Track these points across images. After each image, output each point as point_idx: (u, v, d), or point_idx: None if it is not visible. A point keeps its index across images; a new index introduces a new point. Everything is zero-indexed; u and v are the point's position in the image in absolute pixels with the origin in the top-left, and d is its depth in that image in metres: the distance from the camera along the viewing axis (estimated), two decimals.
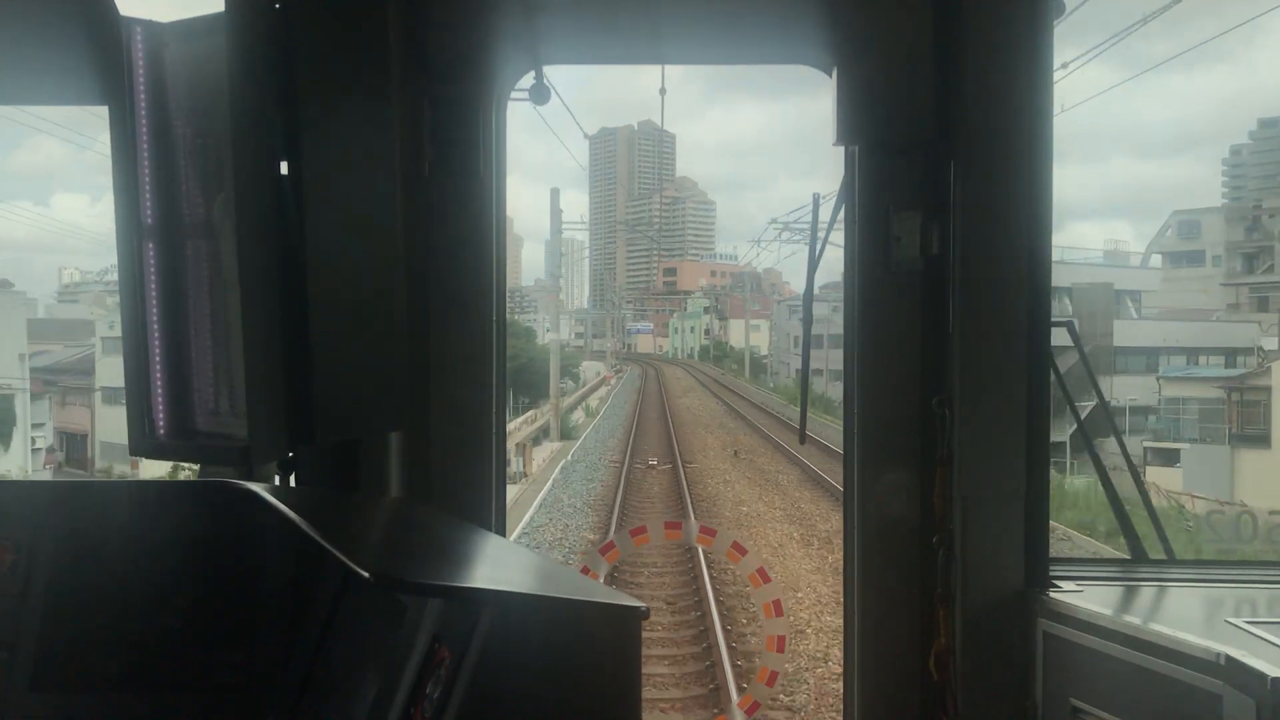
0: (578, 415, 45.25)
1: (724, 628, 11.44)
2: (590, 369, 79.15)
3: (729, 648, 10.80)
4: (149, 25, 2.48)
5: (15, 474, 28.94)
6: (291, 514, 2.28)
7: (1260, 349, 39.40)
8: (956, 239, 2.90)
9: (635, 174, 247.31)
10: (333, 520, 2.55)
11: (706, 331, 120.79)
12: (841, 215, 3.20)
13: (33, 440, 37.01)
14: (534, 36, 3.09)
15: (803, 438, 4.67)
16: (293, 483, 2.86)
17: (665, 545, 15.31)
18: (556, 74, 3.29)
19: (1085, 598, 2.73)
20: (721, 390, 57.56)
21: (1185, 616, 2.72)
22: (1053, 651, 2.73)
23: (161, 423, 2.57)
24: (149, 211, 2.53)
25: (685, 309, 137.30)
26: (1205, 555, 3.52)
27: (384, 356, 2.66)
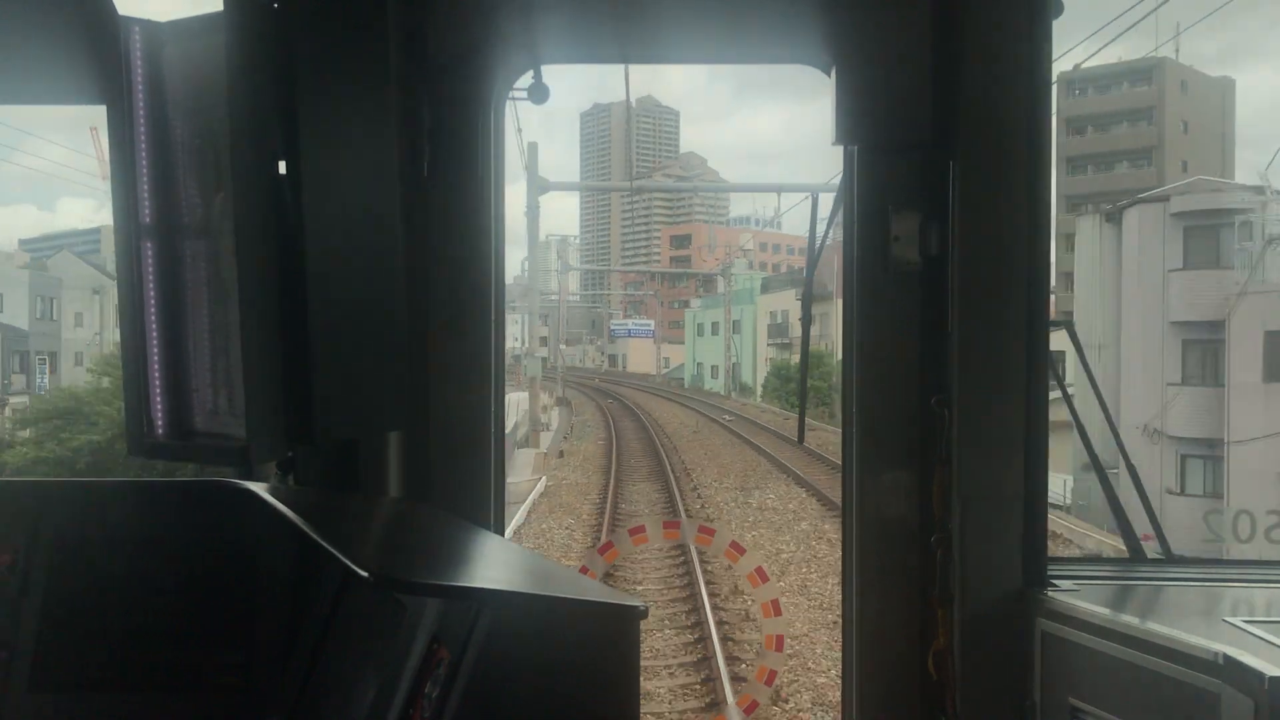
0: None
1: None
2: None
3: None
4: (147, 24, 2.48)
5: None
6: (290, 514, 2.28)
7: None
8: (955, 239, 2.90)
9: (634, 159, 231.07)
10: (332, 520, 2.55)
11: (773, 331, 60.93)
12: (840, 215, 3.20)
13: None
14: (532, 36, 3.09)
15: (801, 438, 4.67)
16: (292, 483, 2.86)
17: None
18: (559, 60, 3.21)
19: (1084, 597, 2.73)
20: None
21: (1183, 616, 2.72)
22: (1051, 651, 2.73)
23: (160, 422, 2.56)
24: (147, 211, 2.53)
25: (719, 288, 73.17)
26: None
27: (383, 356, 2.66)
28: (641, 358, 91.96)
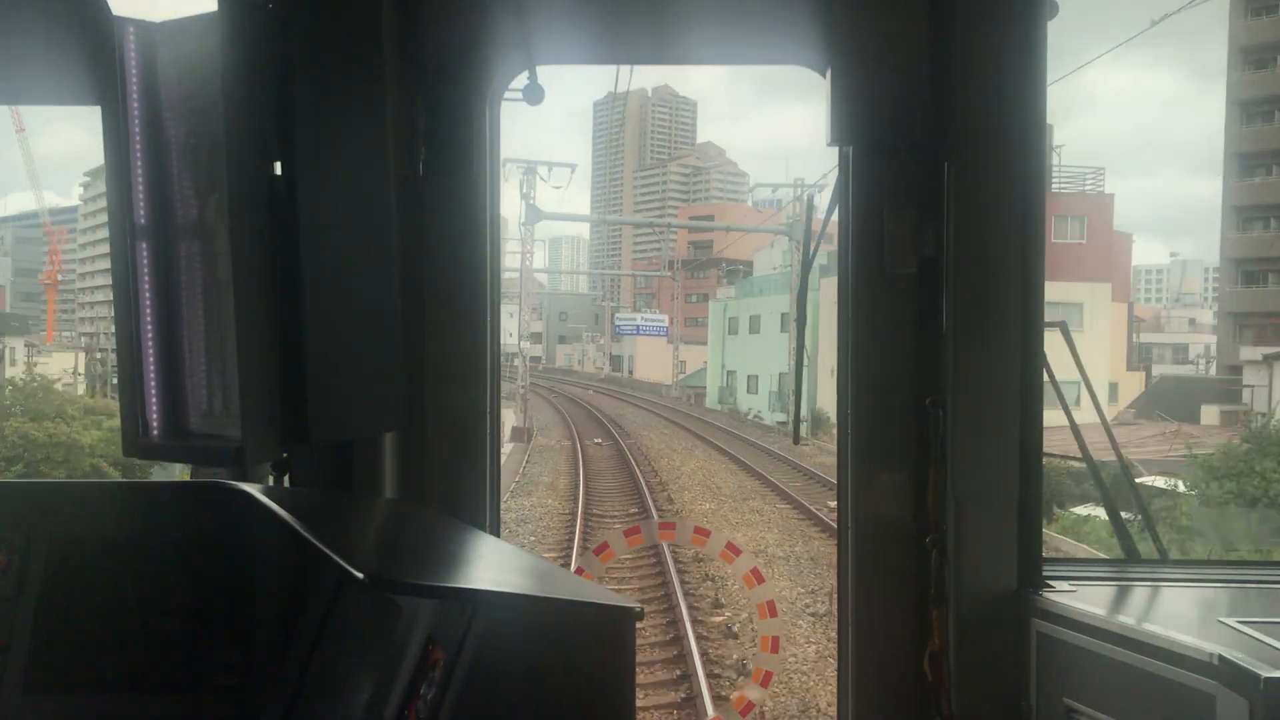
0: None
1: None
2: None
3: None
4: (142, 25, 2.48)
5: None
6: (285, 515, 2.28)
7: None
8: (950, 239, 2.90)
9: (648, 144, 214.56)
10: (327, 521, 2.55)
11: None
12: (836, 216, 3.20)
13: None
14: (527, 36, 3.09)
15: (796, 439, 4.67)
16: (287, 483, 2.86)
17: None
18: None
19: (1078, 598, 2.74)
20: None
21: (1178, 616, 2.73)
22: (1046, 652, 2.73)
23: (155, 423, 2.56)
24: (142, 212, 2.52)
25: (753, 271, 63.78)
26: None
27: (378, 356, 2.66)
28: (653, 362, 70.09)
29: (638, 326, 70.05)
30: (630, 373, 74.60)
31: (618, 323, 74.36)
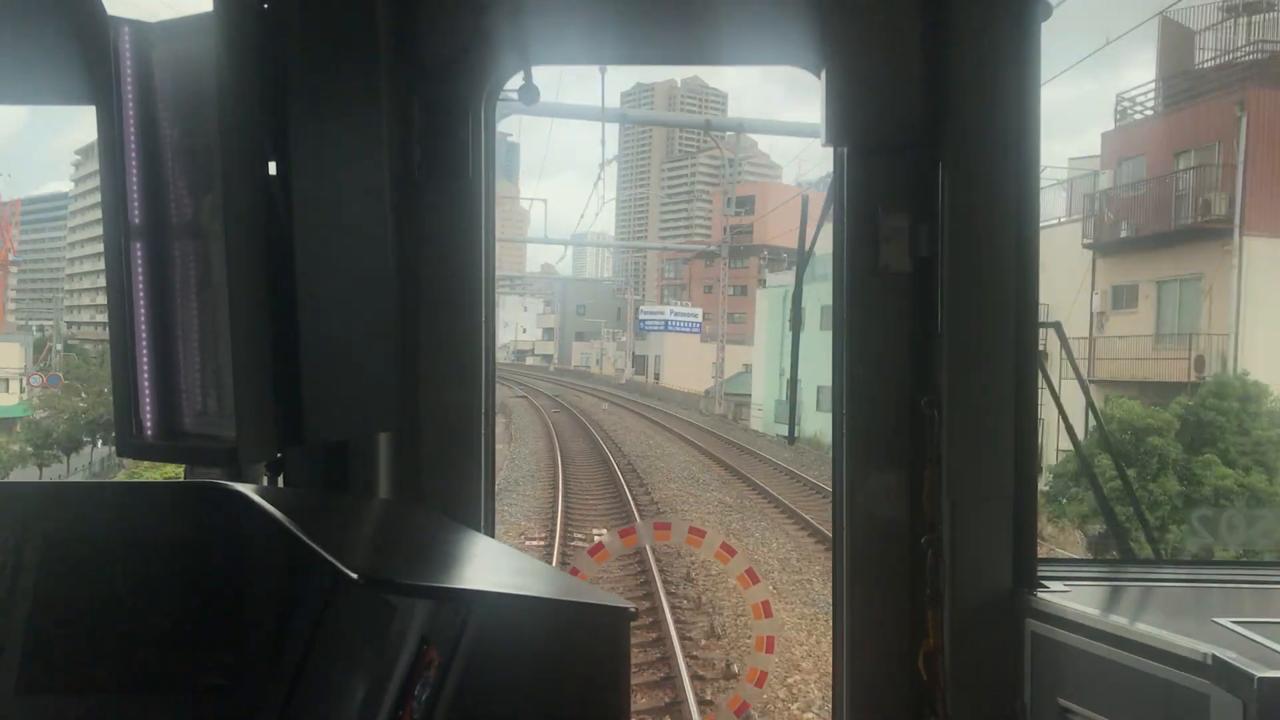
0: None
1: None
2: None
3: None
4: (136, 25, 2.47)
5: None
6: (279, 515, 2.28)
7: None
8: (945, 240, 2.91)
9: (676, 135, 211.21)
10: (321, 521, 2.55)
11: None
12: (831, 216, 3.20)
13: None
14: (523, 37, 3.10)
15: (792, 440, 4.67)
16: (281, 484, 2.86)
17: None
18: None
19: (1073, 598, 2.74)
20: None
21: (1172, 616, 2.73)
22: (1041, 652, 2.74)
23: (149, 423, 2.55)
24: (136, 211, 2.52)
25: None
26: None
27: (373, 357, 2.66)
28: (684, 363, 56.95)
29: (666, 321, 58.72)
30: (656, 377, 61.25)
31: (643, 317, 62.13)
